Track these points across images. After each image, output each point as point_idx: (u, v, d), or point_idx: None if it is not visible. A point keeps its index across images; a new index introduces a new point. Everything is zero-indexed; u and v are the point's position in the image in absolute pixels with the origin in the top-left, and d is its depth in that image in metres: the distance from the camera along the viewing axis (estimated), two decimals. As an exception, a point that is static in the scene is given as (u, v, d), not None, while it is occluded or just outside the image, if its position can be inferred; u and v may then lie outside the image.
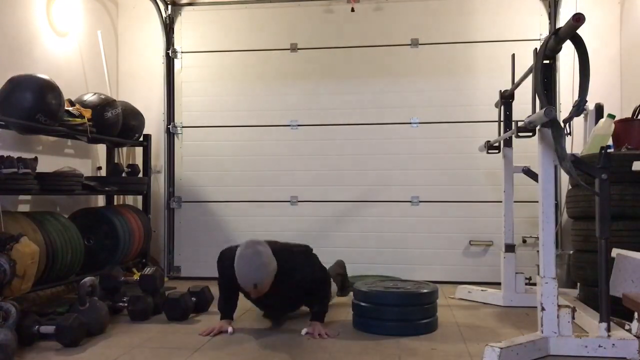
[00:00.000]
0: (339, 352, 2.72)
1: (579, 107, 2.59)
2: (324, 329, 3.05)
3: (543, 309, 2.65)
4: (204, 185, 5.10)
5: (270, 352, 2.73)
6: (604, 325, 2.61)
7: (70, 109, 3.87)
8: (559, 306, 2.65)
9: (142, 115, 4.70)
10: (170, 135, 5.13)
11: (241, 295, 3.25)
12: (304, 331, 3.06)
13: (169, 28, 5.14)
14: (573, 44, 2.62)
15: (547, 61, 2.72)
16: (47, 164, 3.97)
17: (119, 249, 4.16)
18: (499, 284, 3.92)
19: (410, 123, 4.86)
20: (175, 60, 5.16)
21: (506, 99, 3.85)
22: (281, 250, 3.07)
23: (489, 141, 4.02)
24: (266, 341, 2.93)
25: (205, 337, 2.98)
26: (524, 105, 3.61)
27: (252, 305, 3.52)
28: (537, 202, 2.78)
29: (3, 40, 3.78)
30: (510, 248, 3.82)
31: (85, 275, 3.51)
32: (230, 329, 3.08)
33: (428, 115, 4.84)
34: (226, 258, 3.10)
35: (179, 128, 5.14)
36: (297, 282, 3.08)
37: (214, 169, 5.07)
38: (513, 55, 3.78)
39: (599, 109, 4.32)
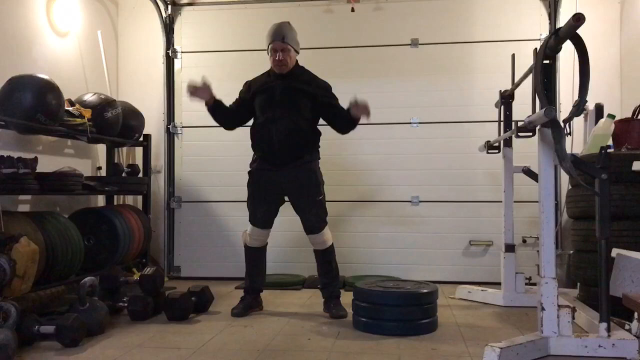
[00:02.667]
0: (339, 352, 2.72)
1: (579, 107, 2.59)
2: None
3: (543, 309, 2.65)
4: (204, 185, 5.10)
5: (270, 353, 2.73)
6: (604, 325, 2.61)
7: (70, 109, 3.87)
8: (559, 306, 2.65)
9: (142, 115, 4.69)
10: (170, 135, 5.14)
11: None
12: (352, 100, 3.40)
13: (169, 28, 5.15)
14: (573, 44, 2.62)
15: (547, 61, 2.72)
16: (47, 164, 3.97)
17: (119, 249, 4.16)
18: (499, 284, 3.92)
19: (410, 123, 4.87)
20: (175, 60, 5.16)
21: (506, 99, 3.85)
22: None
23: (489, 141, 4.02)
24: (266, 341, 2.93)
25: (205, 337, 2.98)
26: (524, 105, 3.61)
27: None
28: (537, 202, 2.78)
29: (3, 40, 3.78)
30: (510, 248, 3.82)
31: (85, 275, 3.50)
32: (207, 80, 3.55)
33: (428, 115, 4.84)
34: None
35: (179, 128, 5.14)
36: (314, 83, 3.52)
37: (214, 169, 5.07)
38: (513, 55, 3.78)
39: (599, 109, 4.32)
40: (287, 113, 3.44)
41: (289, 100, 3.47)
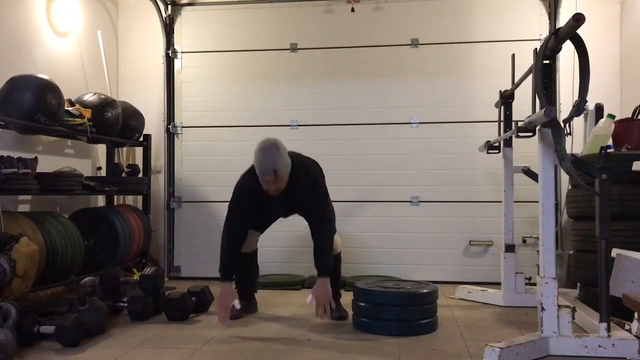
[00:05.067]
0: (339, 352, 2.72)
1: (579, 107, 2.59)
2: (328, 294, 3.12)
3: (543, 309, 2.65)
4: (204, 185, 5.10)
5: (270, 353, 2.73)
6: (604, 325, 2.61)
7: (70, 109, 3.87)
8: (559, 306, 2.65)
9: (142, 115, 4.70)
10: (170, 135, 5.14)
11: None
12: (309, 299, 3.11)
13: (169, 28, 5.15)
14: (573, 44, 2.62)
15: (547, 61, 2.73)
16: (47, 164, 3.97)
17: (119, 249, 4.16)
18: (499, 284, 3.92)
19: (410, 123, 4.87)
20: (175, 60, 5.16)
21: (506, 99, 3.85)
22: (295, 154, 3.36)
23: (489, 141, 4.02)
24: (266, 342, 2.93)
25: (205, 337, 2.98)
26: (524, 105, 3.61)
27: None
28: (537, 202, 2.78)
29: (3, 40, 3.78)
30: (510, 248, 3.82)
31: (85, 275, 3.51)
32: (237, 303, 3.18)
33: (428, 115, 4.84)
34: (247, 180, 3.29)
35: (179, 128, 5.14)
36: (306, 191, 3.25)
37: (214, 169, 5.07)
38: (513, 55, 3.78)
39: (599, 109, 4.33)
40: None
41: (288, 215, 3.54)
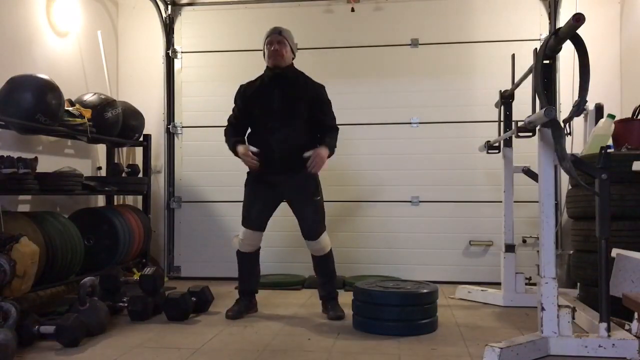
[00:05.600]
0: (339, 352, 2.72)
1: (579, 107, 2.59)
2: (324, 159, 3.36)
3: (543, 309, 2.65)
4: (204, 185, 5.10)
5: (270, 353, 2.73)
6: (604, 325, 2.61)
7: (70, 109, 3.87)
8: (559, 306, 2.65)
9: (142, 115, 4.70)
10: (170, 135, 5.14)
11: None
12: (307, 154, 3.33)
13: (169, 28, 5.15)
14: (573, 44, 2.63)
15: (547, 61, 2.73)
16: (47, 164, 3.97)
17: (119, 249, 4.16)
18: (499, 284, 3.92)
19: (410, 123, 4.87)
20: (175, 60, 5.16)
21: (506, 99, 3.85)
22: None
23: (489, 141, 4.02)
24: (266, 342, 2.93)
25: (205, 337, 2.99)
26: (524, 105, 3.61)
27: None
28: (537, 202, 2.78)
29: (3, 40, 3.78)
30: (510, 248, 3.82)
31: (85, 275, 3.51)
32: (253, 148, 3.39)
33: (428, 115, 4.84)
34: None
35: (179, 128, 5.14)
36: (310, 85, 3.52)
37: (214, 169, 5.07)
38: (513, 55, 3.78)
39: (599, 109, 4.33)
40: (285, 122, 3.41)
41: (286, 109, 3.42)
